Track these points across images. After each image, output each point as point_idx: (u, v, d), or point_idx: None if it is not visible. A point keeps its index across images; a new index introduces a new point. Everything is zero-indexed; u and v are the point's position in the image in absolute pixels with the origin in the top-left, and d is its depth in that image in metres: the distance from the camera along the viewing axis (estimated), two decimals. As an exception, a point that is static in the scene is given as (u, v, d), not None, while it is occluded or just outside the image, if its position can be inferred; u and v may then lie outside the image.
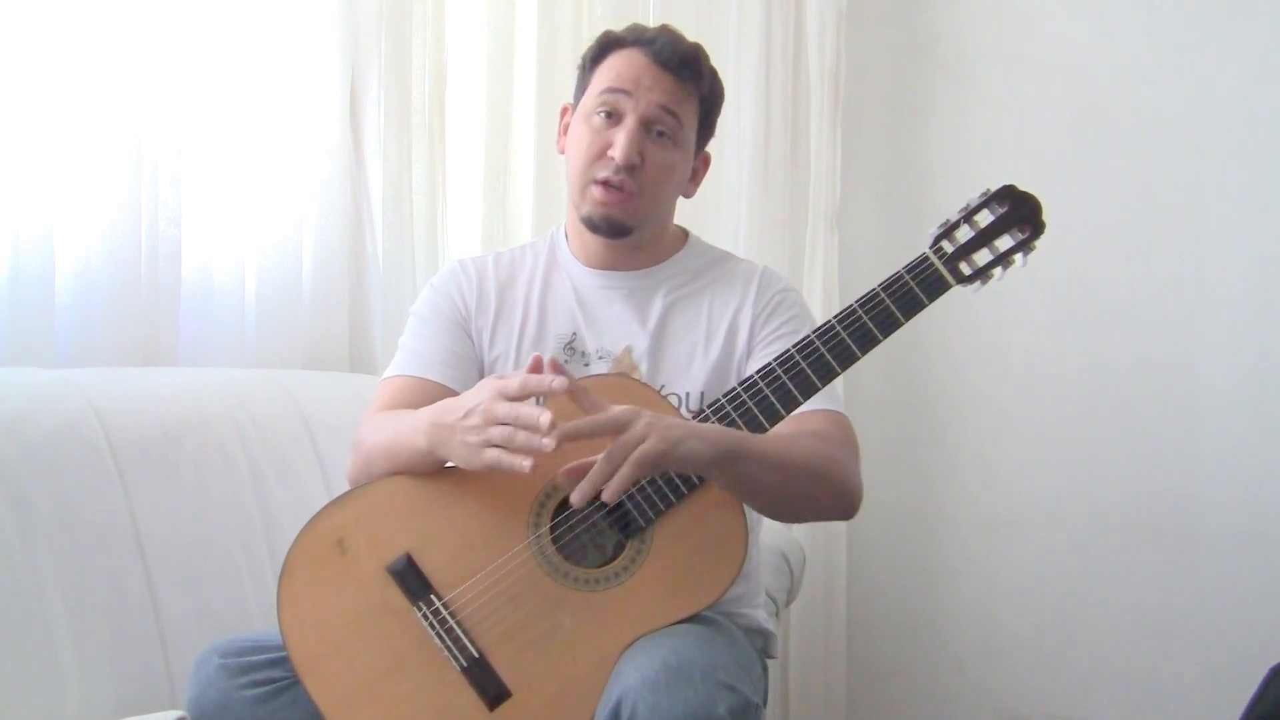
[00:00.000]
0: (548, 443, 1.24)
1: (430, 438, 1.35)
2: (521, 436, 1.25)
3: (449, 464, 1.38)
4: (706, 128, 1.62)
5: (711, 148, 1.67)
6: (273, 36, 2.04)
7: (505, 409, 1.28)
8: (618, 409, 1.28)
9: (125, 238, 1.84)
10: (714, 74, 1.60)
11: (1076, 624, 2.63)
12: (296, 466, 1.83)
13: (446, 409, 1.35)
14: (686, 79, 1.54)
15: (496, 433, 1.27)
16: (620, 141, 1.51)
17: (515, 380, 1.29)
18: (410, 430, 1.38)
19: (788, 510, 1.50)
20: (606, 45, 1.58)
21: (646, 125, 1.53)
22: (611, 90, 1.53)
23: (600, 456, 1.25)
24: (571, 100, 1.63)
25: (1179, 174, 2.54)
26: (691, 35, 2.57)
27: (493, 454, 1.28)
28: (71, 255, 1.81)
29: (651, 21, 2.56)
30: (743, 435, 1.35)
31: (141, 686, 1.53)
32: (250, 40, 2.01)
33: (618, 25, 1.61)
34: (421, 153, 2.25)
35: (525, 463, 1.25)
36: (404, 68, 2.20)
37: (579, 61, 1.62)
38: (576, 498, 1.26)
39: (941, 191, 2.81)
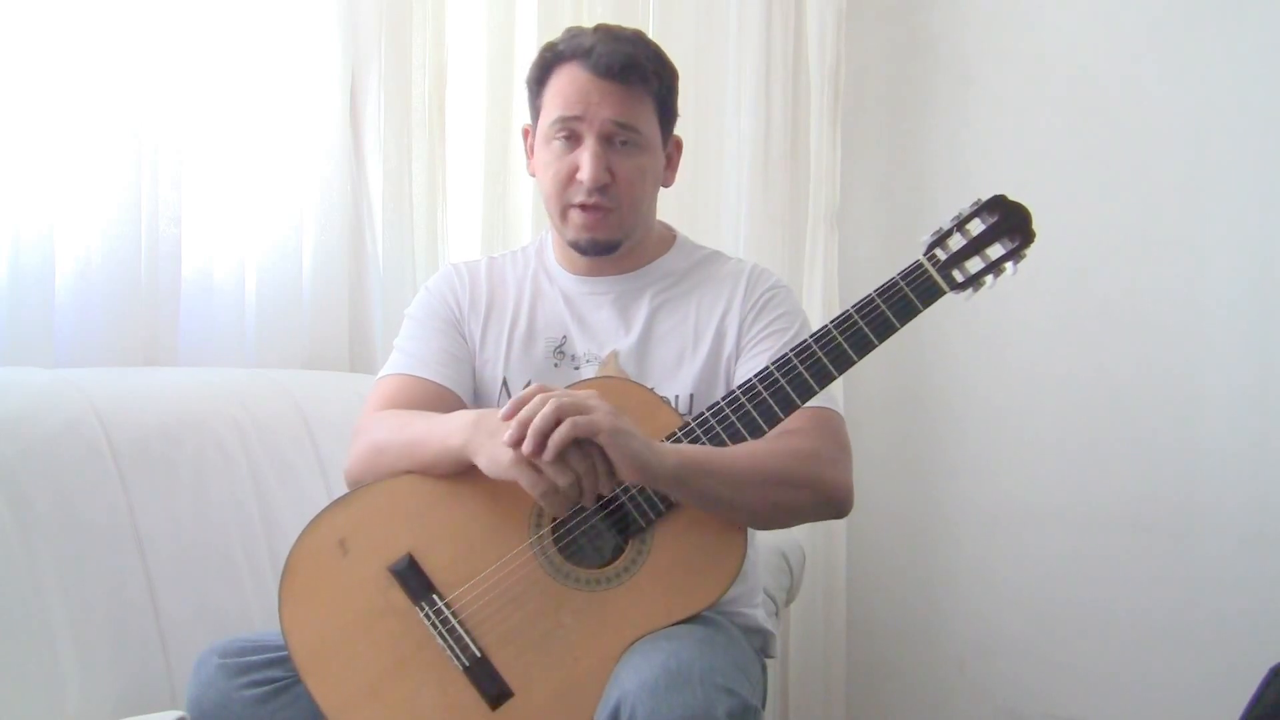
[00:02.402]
0: None
1: (463, 436, 1.35)
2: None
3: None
4: (668, 114, 1.58)
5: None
6: (273, 37, 2.04)
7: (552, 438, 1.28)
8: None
9: (125, 238, 1.84)
10: (660, 60, 1.55)
11: (1076, 624, 2.63)
12: (296, 466, 1.83)
13: (488, 414, 1.36)
14: (634, 83, 1.51)
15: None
16: (585, 163, 1.49)
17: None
18: (443, 428, 1.39)
19: (767, 521, 1.50)
20: (546, 63, 1.54)
21: (607, 140, 1.50)
22: (563, 117, 1.50)
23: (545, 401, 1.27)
24: (530, 120, 1.61)
25: (1179, 175, 2.54)
26: (691, 35, 2.63)
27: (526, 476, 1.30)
28: (71, 255, 1.81)
29: (651, 21, 2.57)
30: (702, 455, 1.34)
31: (141, 686, 1.53)
32: (250, 40, 2.01)
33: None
34: (421, 153, 2.25)
35: None
36: (404, 68, 2.20)
37: (525, 80, 1.59)
38: (504, 413, 1.29)
39: (941, 191, 2.80)
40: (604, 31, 1.54)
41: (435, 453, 1.38)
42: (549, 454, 1.26)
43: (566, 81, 1.51)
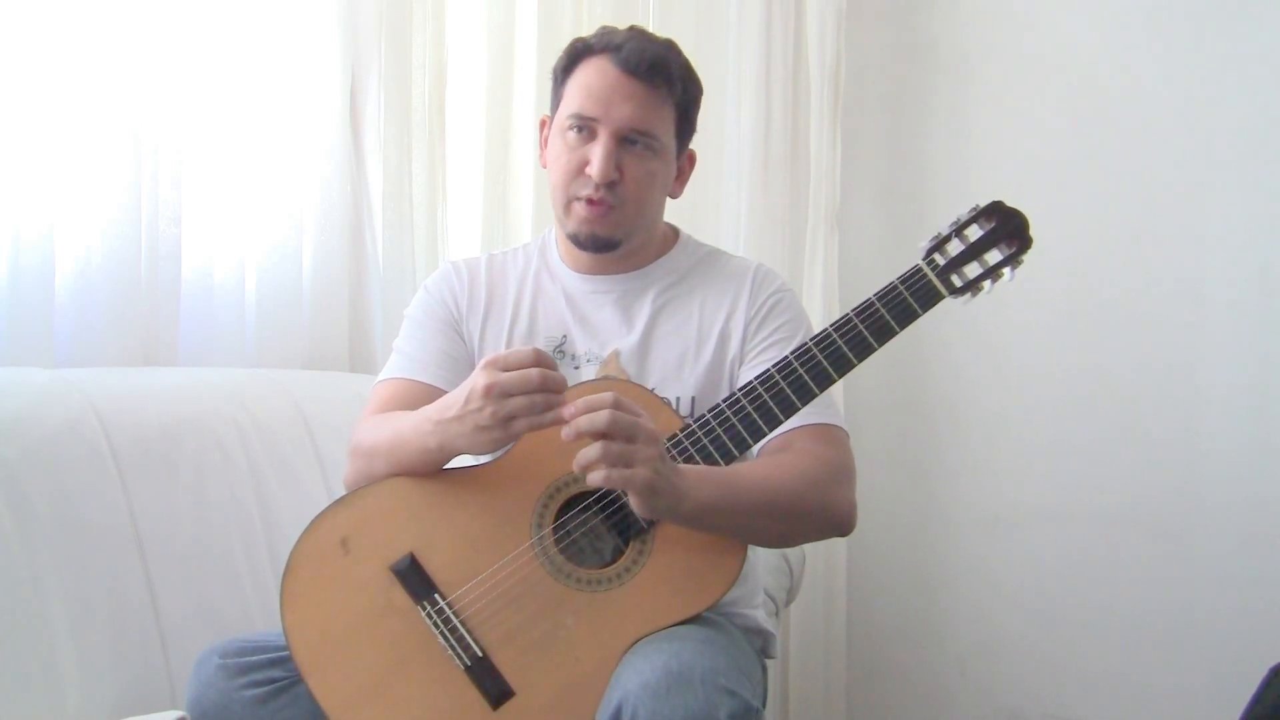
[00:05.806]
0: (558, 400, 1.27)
1: (438, 436, 1.34)
2: (540, 398, 1.27)
3: (457, 460, 1.38)
4: (686, 126, 1.59)
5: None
6: (273, 37, 2.04)
7: (511, 377, 1.27)
8: (646, 421, 1.28)
9: (125, 238, 1.84)
10: (687, 71, 1.57)
11: (1076, 624, 2.62)
12: (296, 466, 1.83)
13: (446, 404, 1.35)
14: (658, 85, 1.51)
15: (516, 404, 1.27)
16: (596, 159, 1.49)
17: (516, 355, 1.29)
18: (414, 431, 1.38)
19: (772, 544, 1.56)
20: (575, 54, 1.55)
21: (621, 138, 1.51)
22: (582, 108, 1.51)
23: (602, 447, 1.25)
24: (549, 111, 1.61)
25: (1179, 175, 2.54)
26: (691, 35, 2.62)
27: (522, 423, 1.28)
28: (71, 255, 1.81)
29: (651, 22, 2.57)
30: (714, 495, 1.33)
31: (141, 686, 1.53)
32: (250, 40, 2.01)
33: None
34: (421, 153, 2.25)
35: (552, 415, 1.27)
36: (404, 68, 2.20)
37: (551, 70, 1.60)
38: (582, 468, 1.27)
39: (941, 191, 2.80)
40: (637, 32, 1.56)
41: (415, 456, 1.38)
42: (577, 465, 1.26)
43: (592, 74, 1.52)
